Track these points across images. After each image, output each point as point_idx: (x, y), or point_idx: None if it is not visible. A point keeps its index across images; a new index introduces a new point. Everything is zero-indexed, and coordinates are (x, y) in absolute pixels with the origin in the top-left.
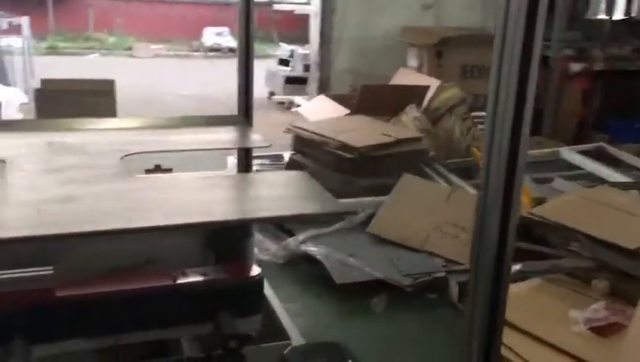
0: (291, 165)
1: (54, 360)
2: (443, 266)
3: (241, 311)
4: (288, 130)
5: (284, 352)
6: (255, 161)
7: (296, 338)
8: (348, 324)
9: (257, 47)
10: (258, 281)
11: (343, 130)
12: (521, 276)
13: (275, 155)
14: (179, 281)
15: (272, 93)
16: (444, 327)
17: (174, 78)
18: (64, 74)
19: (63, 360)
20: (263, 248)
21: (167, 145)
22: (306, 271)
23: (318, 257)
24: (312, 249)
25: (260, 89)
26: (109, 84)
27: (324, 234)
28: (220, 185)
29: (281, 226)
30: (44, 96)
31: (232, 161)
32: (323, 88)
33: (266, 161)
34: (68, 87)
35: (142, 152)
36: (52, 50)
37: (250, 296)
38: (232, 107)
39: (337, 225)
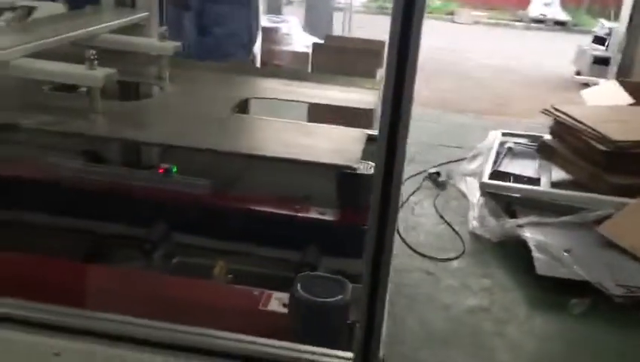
0: (542, 148)
1: (185, 252)
2: None
3: (336, 251)
4: (546, 112)
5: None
6: (510, 139)
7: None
8: (533, 315)
9: (587, 22)
10: (359, 230)
11: (607, 120)
12: None
13: (534, 136)
14: (298, 214)
15: (578, 73)
16: None
17: (484, 45)
18: (372, 33)
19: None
20: (484, 224)
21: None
22: (514, 254)
23: (529, 243)
24: (527, 234)
25: (566, 67)
26: (380, 45)
27: (547, 224)
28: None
29: (508, 206)
30: (318, 49)
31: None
32: (623, 72)
33: (522, 140)
34: (343, 45)
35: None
36: (381, 10)
37: (347, 240)
38: (521, 82)
39: (566, 218)
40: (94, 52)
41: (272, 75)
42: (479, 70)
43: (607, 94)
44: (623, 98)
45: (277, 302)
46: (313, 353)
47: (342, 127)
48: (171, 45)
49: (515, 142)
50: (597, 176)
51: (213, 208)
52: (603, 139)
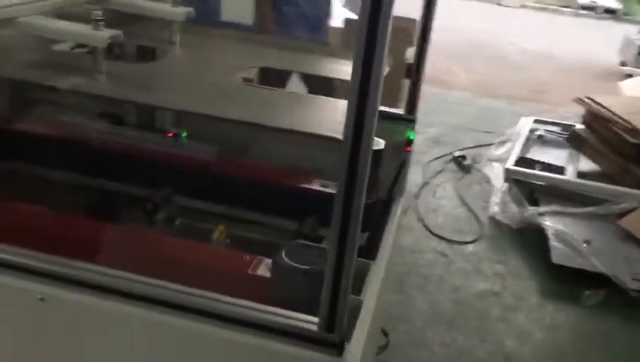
0: (573, 138)
1: (187, 215)
2: None
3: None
4: (579, 101)
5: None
6: (542, 127)
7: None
8: (544, 304)
9: (639, 11)
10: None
11: None
12: None
13: (566, 125)
14: (299, 185)
15: (622, 63)
16: None
17: (528, 30)
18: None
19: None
20: (505, 210)
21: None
22: (532, 242)
23: (548, 232)
24: (547, 222)
25: (612, 57)
26: (411, 23)
27: (569, 214)
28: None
29: (531, 194)
30: (350, 25)
31: None
32: None
33: (554, 129)
34: None
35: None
36: None
37: None
38: (562, 70)
39: (588, 209)
40: (100, 13)
41: (287, 47)
42: (520, 54)
43: None
44: None
45: (266, 267)
46: (279, 315)
47: (344, 100)
48: (182, 10)
49: (547, 130)
50: (625, 168)
51: (218, 174)
52: (634, 131)
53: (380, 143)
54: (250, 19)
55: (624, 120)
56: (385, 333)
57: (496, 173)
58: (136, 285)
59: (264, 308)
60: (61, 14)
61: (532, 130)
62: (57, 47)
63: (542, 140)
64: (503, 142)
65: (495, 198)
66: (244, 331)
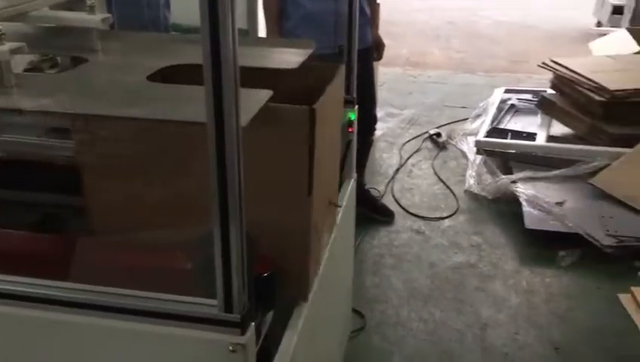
0: (542, 103)
1: None
2: None
3: None
4: (545, 66)
5: None
6: (514, 95)
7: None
8: (520, 270)
9: None
10: None
11: (606, 69)
12: None
13: (537, 91)
14: None
15: (598, 24)
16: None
17: (503, 3)
18: None
19: None
20: (481, 182)
21: None
22: (507, 211)
23: (521, 198)
24: (520, 189)
25: (588, 18)
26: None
27: (541, 178)
28: None
29: (505, 163)
30: None
31: None
32: (637, 19)
33: (526, 97)
34: None
35: None
36: None
37: None
38: (539, 37)
39: (559, 171)
40: (0, 27)
41: None
42: (496, 28)
43: (615, 44)
44: (631, 47)
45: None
46: (180, 301)
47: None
48: (99, 18)
49: (519, 99)
50: (595, 127)
51: None
52: (600, 89)
53: None
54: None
55: (590, 79)
56: (361, 315)
57: (470, 147)
58: (29, 288)
59: (166, 296)
60: None
61: (504, 101)
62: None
63: (515, 109)
64: (478, 116)
65: (470, 171)
66: (146, 321)
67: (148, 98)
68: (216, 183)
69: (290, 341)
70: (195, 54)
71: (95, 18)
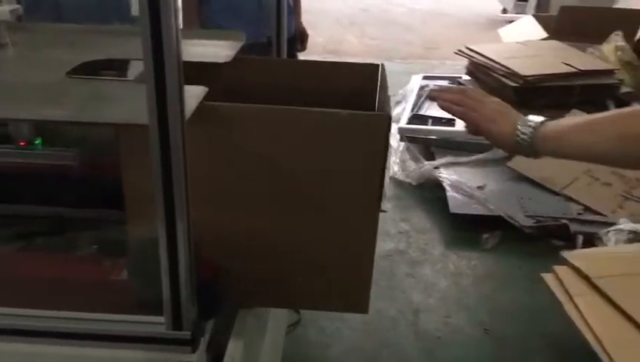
0: None
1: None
2: (579, 214)
3: None
4: (460, 53)
5: None
6: (432, 82)
7: None
8: (447, 253)
9: None
10: None
11: (518, 55)
12: None
13: (454, 77)
14: None
15: (504, 11)
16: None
17: None
18: None
19: None
20: (405, 169)
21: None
22: (432, 197)
23: (444, 184)
24: (442, 175)
25: (494, 6)
26: None
27: (462, 163)
28: None
29: (428, 150)
30: None
31: None
32: (542, 7)
33: (443, 83)
34: None
35: None
36: None
37: None
38: (451, 24)
39: (479, 156)
40: None
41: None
42: (410, 16)
43: (523, 30)
44: (538, 33)
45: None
46: (126, 321)
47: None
48: (6, 9)
49: (437, 85)
50: None
51: (81, 178)
52: (513, 75)
53: None
54: None
55: (503, 65)
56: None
57: (393, 134)
58: None
59: (106, 316)
60: None
61: (423, 87)
62: None
63: None
64: (398, 103)
65: (394, 158)
66: (85, 344)
67: (72, 97)
68: (161, 185)
69: (235, 348)
70: (118, 48)
71: (3, 9)
